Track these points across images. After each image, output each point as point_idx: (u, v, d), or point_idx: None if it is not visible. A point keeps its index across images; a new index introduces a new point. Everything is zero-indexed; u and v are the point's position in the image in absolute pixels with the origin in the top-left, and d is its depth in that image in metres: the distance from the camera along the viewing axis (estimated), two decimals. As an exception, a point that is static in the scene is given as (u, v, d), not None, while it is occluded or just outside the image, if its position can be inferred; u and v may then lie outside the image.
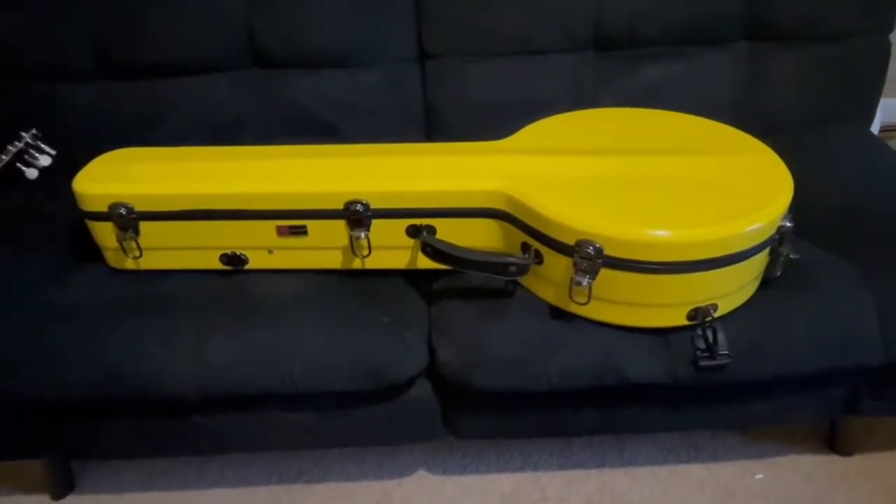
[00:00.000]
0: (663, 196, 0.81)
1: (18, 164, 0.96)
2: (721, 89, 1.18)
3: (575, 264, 0.79)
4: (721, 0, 1.12)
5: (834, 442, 1.09)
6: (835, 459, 1.08)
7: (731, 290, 0.82)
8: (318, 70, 1.16)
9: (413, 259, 0.93)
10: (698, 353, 0.82)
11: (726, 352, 0.81)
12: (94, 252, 0.97)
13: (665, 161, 0.87)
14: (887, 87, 1.24)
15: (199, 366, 0.86)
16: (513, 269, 0.83)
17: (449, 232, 0.89)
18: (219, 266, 0.96)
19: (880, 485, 1.04)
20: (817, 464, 1.08)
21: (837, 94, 1.19)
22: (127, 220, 0.90)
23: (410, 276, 0.95)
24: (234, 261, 0.95)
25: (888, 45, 1.18)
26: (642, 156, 0.89)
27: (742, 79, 1.17)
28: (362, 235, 0.89)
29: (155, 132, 1.17)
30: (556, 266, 0.82)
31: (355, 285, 0.94)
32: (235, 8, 1.12)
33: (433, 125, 1.19)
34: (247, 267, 0.96)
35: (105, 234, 0.93)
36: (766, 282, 0.86)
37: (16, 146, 0.95)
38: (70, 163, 0.95)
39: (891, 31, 1.18)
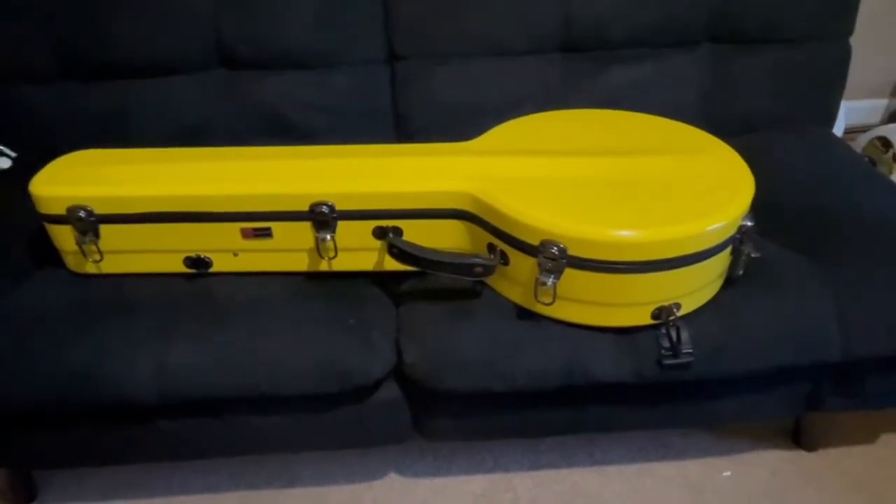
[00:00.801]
0: (627, 196, 0.82)
1: (-26, 166, 0.94)
2: (687, 91, 1.19)
3: (539, 264, 0.79)
4: (686, 3, 1.14)
5: (799, 437, 1.11)
6: (801, 455, 1.10)
7: (694, 288, 0.82)
8: (285, 71, 1.15)
9: (380, 261, 0.92)
10: (663, 351, 0.82)
11: (690, 350, 0.81)
12: (53, 256, 0.95)
13: (629, 162, 0.88)
14: (851, 90, 1.27)
15: (163, 370, 0.85)
16: (479, 269, 0.83)
17: (415, 233, 0.88)
18: (183, 269, 0.95)
19: (846, 479, 1.06)
20: (784, 459, 1.09)
21: (800, 97, 1.21)
22: (86, 223, 0.89)
23: (377, 278, 0.95)
24: (198, 264, 0.94)
25: (848, 49, 1.21)
26: (606, 157, 0.90)
27: (707, 81, 1.19)
28: (328, 237, 0.89)
29: (119, 134, 1.15)
30: (522, 266, 0.82)
31: (321, 287, 0.93)
32: (203, 8, 1.10)
33: (402, 127, 1.19)
34: (211, 270, 0.95)
35: (64, 237, 0.91)
36: (729, 280, 0.87)
37: (-27, 148, 0.93)
38: (30, 166, 0.93)
39: (850, 34, 1.20)
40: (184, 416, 0.92)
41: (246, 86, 1.16)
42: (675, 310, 0.82)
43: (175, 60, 1.14)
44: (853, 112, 1.63)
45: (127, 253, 0.93)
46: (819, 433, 1.10)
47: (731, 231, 0.80)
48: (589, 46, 1.16)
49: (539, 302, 0.83)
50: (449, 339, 0.87)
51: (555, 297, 0.81)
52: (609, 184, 0.84)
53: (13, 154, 0.95)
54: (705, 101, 1.19)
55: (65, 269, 0.95)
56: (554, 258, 0.78)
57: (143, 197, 0.89)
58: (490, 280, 0.89)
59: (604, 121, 1.03)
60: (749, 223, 0.81)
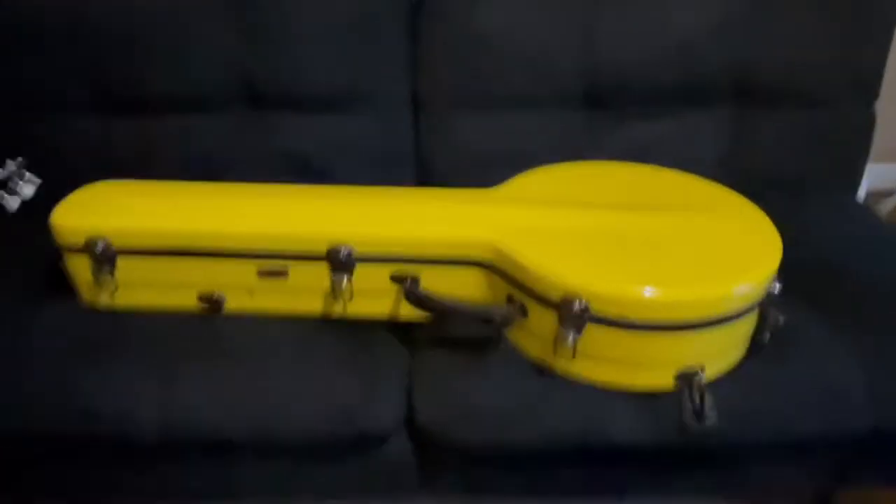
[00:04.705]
0: (652, 253, 0.80)
1: (1, 192, 0.94)
2: (707, 149, 1.18)
3: (560, 319, 0.77)
4: (707, 63, 1.14)
5: (824, 511, 1.06)
6: (825, 529, 1.05)
7: (719, 352, 0.80)
8: (310, 112, 1.16)
9: (396, 306, 0.90)
10: (685, 416, 0.79)
11: (714, 416, 0.78)
12: (67, 287, 0.94)
13: (655, 217, 0.87)
14: (876, 153, 1.25)
15: (166, 409, 0.83)
16: (497, 320, 0.81)
17: (434, 280, 0.87)
18: (196, 305, 0.93)
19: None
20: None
21: (822, 160, 1.20)
22: (104, 254, 0.88)
23: (392, 323, 0.93)
24: (212, 301, 0.93)
25: (873, 114, 1.20)
26: (632, 211, 0.88)
27: (728, 140, 1.18)
28: (345, 280, 0.87)
29: (143, 167, 1.12)
30: (542, 320, 0.80)
31: (334, 331, 0.91)
32: (230, 47, 1.12)
33: (424, 172, 1.18)
34: (224, 307, 0.93)
35: (81, 268, 0.91)
36: (754, 345, 0.84)
37: (0, 172, 0.94)
38: (54, 195, 0.93)
39: (875, 100, 1.19)
40: (185, 457, 0.90)
41: (269, 125, 1.17)
42: (699, 373, 0.79)
43: (200, 98, 1.15)
44: (877, 175, 1.61)
45: (142, 286, 0.92)
46: (846, 507, 1.05)
47: (759, 294, 0.78)
48: (611, 101, 1.16)
49: (558, 357, 0.80)
50: (463, 391, 0.84)
51: (575, 353, 0.78)
52: (634, 239, 0.83)
53: (38, 181, 0.95)
54: (725, 160, 1.18)
55: (77, 302, 0.94)
56: (575, 314, 0.76)
57: (162, 230, 0.88)
58: (508, 332, 0.86)
59: (628, 174, 1.02)
60: (777, 287, 0.79)
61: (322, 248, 0.86)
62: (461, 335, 0.88)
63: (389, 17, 1.13)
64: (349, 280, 0.87)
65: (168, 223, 0.89)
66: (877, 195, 1.59)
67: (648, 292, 0.74)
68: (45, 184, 0.95)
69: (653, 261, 0.79)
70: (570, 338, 0.76)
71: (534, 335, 0.83)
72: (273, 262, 0.88)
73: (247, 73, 1.13)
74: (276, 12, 1.10)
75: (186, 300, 0.93)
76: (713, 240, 0.83)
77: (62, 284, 0.94)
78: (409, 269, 0.87)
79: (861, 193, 1.37)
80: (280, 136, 1.17)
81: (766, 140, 1.18)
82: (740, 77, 1.15)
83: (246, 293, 0.92)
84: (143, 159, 1.16)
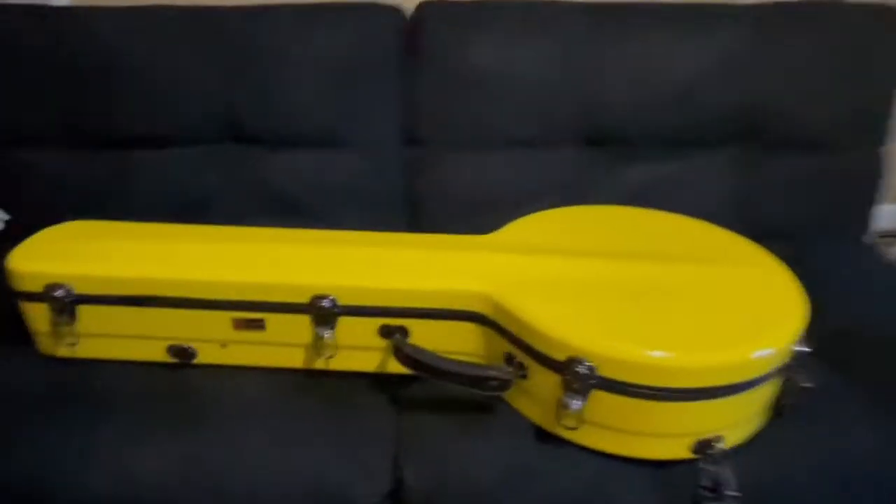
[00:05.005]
0: (664, 309, 0.74)
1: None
2: (711, 192, 1.13)
3: (564, 383, 0.70)
4: (710, 105, 1.09)
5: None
6: None
7: (739, 420, 0.73)
8: (294, 149, 1.11)
9: (383, 362, 0.83)
10: (702, 491, 0.71)
11: (735, 491, 0.70)
12: (25, 335, 0.86)
13: (665, 268, 0.80)
14: (886, 192, 1.21)
15: (123, 479, 0.74)
16: (494, 383, 0.74)
17: (425, 335, 0.80)
18: (165, 358, 0.85)
19: None
20: None
21: (832, 204, 1.15)
22: (64, 303, 0.80)
23: (379, 380, 0.85)
24: (183, 353, 0.85)
25: (881, 158, 1.16)
26: (640, 261, 0.82)
27: (733, 183, 1.13)
28: (328, 334, 0.80)
29: (119, 204, 1.10)
30: (543, 383, 0.73)
31: (315, 389, 0.83)
32: (212, 81, 1.07)
33: (415, 213, 1.13)
34: (195, 361, 0.85)
35: (38, 316, 0.83)
36: (777, 410, 0.77)
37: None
38: (28, 229, 0.87)
39: (882, 144, 1.15)
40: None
41: (253, 162, 1.11)
42: (717, 443, 0.71)
43: (180, 132, 1.10)
44: (889, 216, 1.56)
45: (105, 337, 0.84)
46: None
47: (783, 358, 0.71)
48: (612, 142, 1.12)
49: (561, 424, 0.72)
50: (455, 459, 0.76)
51: (580, 421, 0.71)
52: (644, 293, 0.76)
53: (6, 216, 0.88)
54: (729, 203, 1.13)
55: (36, 351, 0.86)
56: (581, 378, 0.68)
57: (128, 278, 0.81)
58: (506, 393, 0.79)
59: (633, 219, 0.96)
60: (804, 349, 0.72)
61: (304, 298, 0.79)
62: (454, 394, 0.80)
63: (381, 54, 1.09)
64: (332, 333, 0.80)
65: (135, 269, 0.81)
66: (888, 237, 1.54)
67: (662, 356, 0.67)
68: (19, 217, 0.88)
69: (666, 319, 0.72)
70: (575, 404, 0.69)
71: (534, 398, 0.76)
72: (249, 313, 0.81)
73: (230, 109, 1.08)
74: (263, 50, 1.06)
75: (154, 352, 0.85)
76: (730, 295, 0.77)
77: (22, 329, 0.85)
78: (399, 322, 0.80)
79: (873, 234, 1.33)
80: (264, 173, 1.11)
81: (772, 183, 1.14)
82: (745, 119, 1.11)
83: (219, 346, 0.84)
84: (121, 195, 1.11)
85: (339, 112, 1.09)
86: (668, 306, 0.74)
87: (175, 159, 1.11)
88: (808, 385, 0.74)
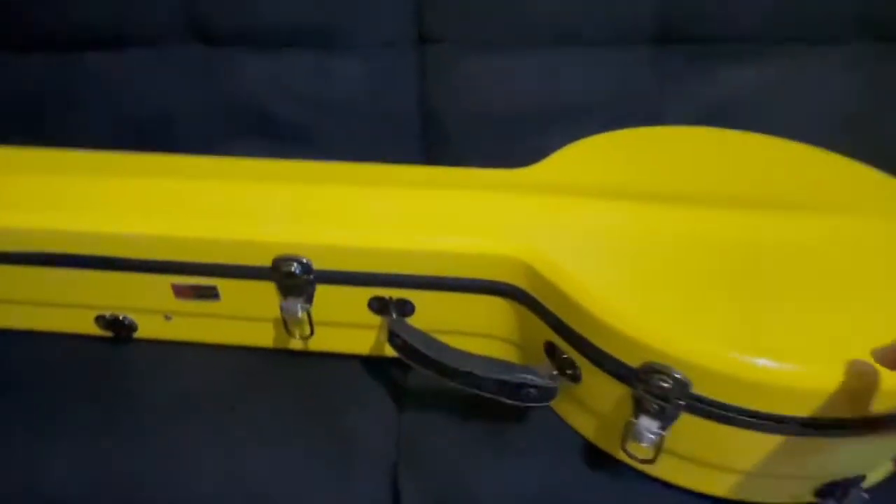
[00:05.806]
0: (796, 293, 0.49)
1: None
2: (827, 105, 0.89)
3: (637, 400, 0.47)
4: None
5: None
6: None
7: (888, 458, 0.50)
8: (278, 51, 0.89)
9: (379, 344, 0.62)
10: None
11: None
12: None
13: (792, 225, 0.55)
14: None
15: (32, 493, 0.57)
16: (531, 392, 0.51)
17: (434, 312, 0.58)
18: (95, 331, 0.66)
19: None
20: None
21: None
22: (-47, 261, 0.61)
23: (375, 364, 0.65)
24: (116, 326, 0.66)
25: None
26: (752, 212, 0.56)
27: (857, 92, 0.89)
28: (299, 308, 0.58)
29: (59, 121, 0.92)
30: (604, 393, 0.50)
31: (288, 375, 0.64)
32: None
33: (431, 136, 0.91)
34: (136, 335, 0.66)
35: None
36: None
37: None
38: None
39: None
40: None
41: (224, 68, 0.90)
42: (853, 487, 0.49)
43: (135, 29, 0.89)
44: None
45: (16, 304, 0.66)
46: None
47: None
48: (693, 37, 0.88)
49: (628, 454, 0.51)
50: (470, 480, 0.57)
51: (656, 451, 0.49)
52: (762, 264, 0.51)
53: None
54: (853, 120, 0.88)
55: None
56: (665, 396, 0.46)
57: (41, 230, 0.60)
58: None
59: (731, 147, 0.69)
60: None
61: (265, 261, 0.58)
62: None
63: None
64: (306, 308, 0.59)
65: (51, 219, 0.61)
66: None
67: (794, 370, 0.43)
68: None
69: (797, 307, 0.48)
70: (652, 432, 0.47)
71: (588, 409, 0.54)
72: (194, 277, 0.60)
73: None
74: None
75: (80, 324, 0.66)
76: (881, 264, 0.52)
77: None
78: (397, 293, 0.58)
79: None
80: (238, 82, 0.90)
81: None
82: (874, 6, 0.85)
83: (162, 318, 0.64)
84: (61, 109, 0.93)
85: (334, 3, 0.87)
86: (797, 283, 0.49)
87: (126, 63, 0.90)
88: None
